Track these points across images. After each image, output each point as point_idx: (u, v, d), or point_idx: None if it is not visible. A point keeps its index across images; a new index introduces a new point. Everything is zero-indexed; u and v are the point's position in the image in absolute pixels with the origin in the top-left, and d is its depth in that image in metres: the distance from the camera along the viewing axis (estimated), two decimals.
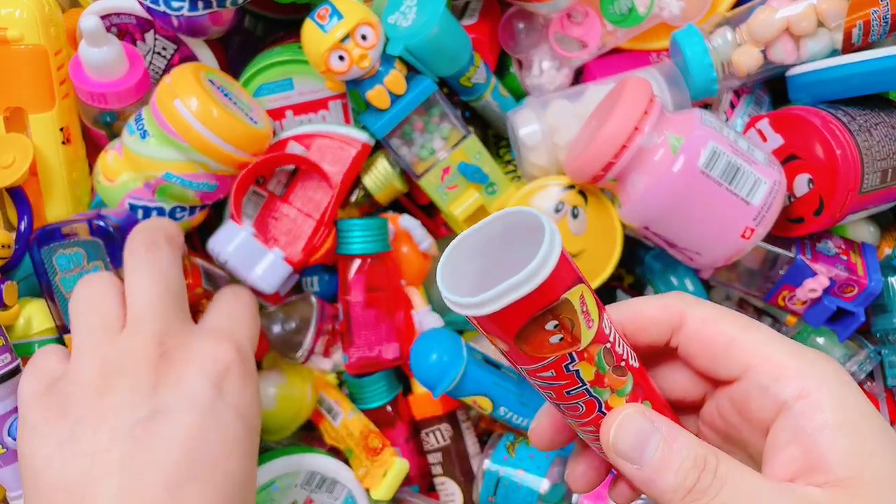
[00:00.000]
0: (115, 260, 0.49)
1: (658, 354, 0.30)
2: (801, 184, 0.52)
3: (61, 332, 0.52)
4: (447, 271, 0.25)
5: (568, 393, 0.26)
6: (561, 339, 0.25)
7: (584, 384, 0.26)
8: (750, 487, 0.25)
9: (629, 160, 0.48)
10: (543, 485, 0.57)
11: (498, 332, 0.25)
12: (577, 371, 0.26)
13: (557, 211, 0.53)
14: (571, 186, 0.54)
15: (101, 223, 0.49)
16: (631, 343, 0.29)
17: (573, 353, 0.25)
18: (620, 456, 0.26)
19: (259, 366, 0.62)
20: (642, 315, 0.30)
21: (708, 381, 0.30)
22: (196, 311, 0.59)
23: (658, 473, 0.25)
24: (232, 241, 0.54)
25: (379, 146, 0.57)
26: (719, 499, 0.24)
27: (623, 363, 0.27)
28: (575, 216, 0.53)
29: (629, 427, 0.26)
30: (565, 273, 0.24)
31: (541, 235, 0.23)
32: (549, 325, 0.24)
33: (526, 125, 0.55)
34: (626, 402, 0.27)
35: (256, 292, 0.54)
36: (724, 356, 0.28)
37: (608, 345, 0.26)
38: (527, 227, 0.24)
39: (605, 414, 0.27)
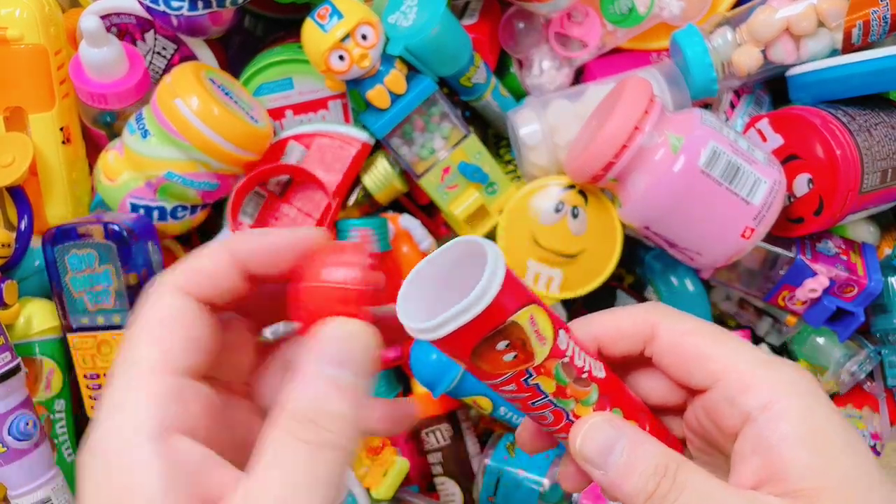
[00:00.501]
0: (126, 264, 0.50)
1: (637, 361, 0.31)
2: (801, 184, 0.52)
3: (65, 331, 0.52)
4: (406, 299, 0.27)
5: (533, 404, 0.28)
6: (515, 357, 0.26)
7: (546, 396, 0.28)
8: (708, 493, 0.26)
9: (629, 160, 0.48)
10: (543, 484, 0.57)
11: (453, 353, 0.26)
12: (537, 385, 0.27)
13: (557, 211, 0.53)
14: (572, 186, 0.54)
15: (116, 227, 0.49)
16: (606, 353, 0.31)
17: (529, 369, 0.27)
18: (587, 461, 0.28)
19: None
20: (616, 328, 0.30)
21: (684, 389, 0.31)
22: None
23: (621, 478, 0.27)
24: None
25: (379, 146, 0.57)
26: (679, 503, 0.26)
27: (585, 374, 0.28)
28: (575, 216, 0.53)
29: (595, 435, 0.27)
30: (512, 297, 0.25)
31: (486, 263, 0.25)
32: (501, 346, 0.26)
33: (526, 125, 0.55)
34: (594, 410, 0.28)
35: None
36: (695, 368, 0.29)
37: (566, 359, 0.27)
38: (477, 255, 0.26)
39: (573, 422, 0.28)
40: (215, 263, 0.27)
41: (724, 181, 0.48)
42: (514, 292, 0.26)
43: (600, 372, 0.29)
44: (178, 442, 0.23)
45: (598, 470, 0.27)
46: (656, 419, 0.31)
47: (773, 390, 0.27)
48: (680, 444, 0.31)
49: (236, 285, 0.27)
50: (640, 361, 0.31)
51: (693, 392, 0.30)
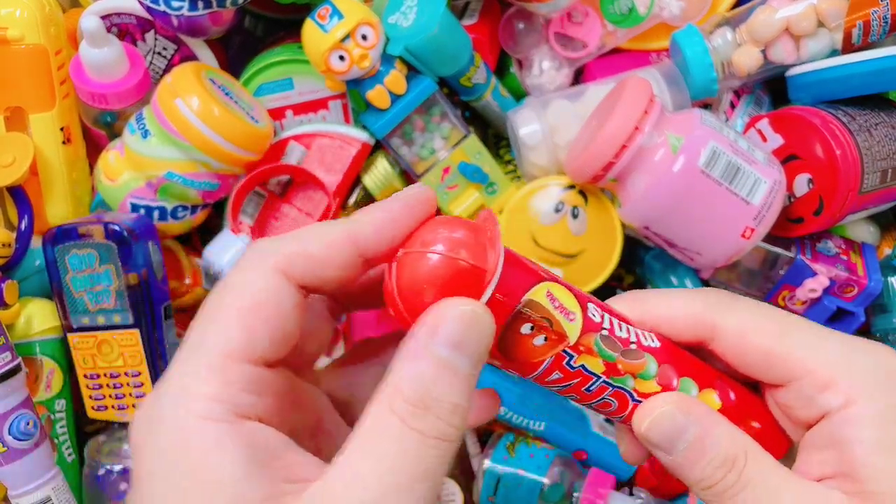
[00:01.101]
0: (126, 264, 0.50)
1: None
2: (801, 184, 0.52)
3: (65, 331, 0.52)
4: None
5: (588, 390, 0.26)
6: (546, 340, 0.25)
7: (598, 377, 0.26)
8: (773, 488, 0.26)
9: (629, 160, 0.48)
10: (544, 484, 0.57)
11: None
12: (582, 366, 0.25)
13: (557, 211, 0.53)
14: (572, 186, 0.54)
15: (116, 227, 0.49)
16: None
17: (567, 350, 0.25)
18: (652, 445, 0.27)
19: None
20: (670, 319, 0.28)
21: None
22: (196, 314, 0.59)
23: (687, 464, 0.26)
24: (228, 252, 0.54)
25: (379, 146, 0.57)
26: (739, 498, 0.25)
27: (633, 345, 0.26)
28: (575, 216, 0.53)
29: (662, 422, 0.26)
30: (518, 275, 0.24)
31: None
32: (525, 329, 0.24)
33: (526, 125, 0.55)
34: (657, 383, 0.27)
35: None
36: (764, 368, 0.27)
37: (604, 332, 0.26)
38: None
39: (640, 402, 0.27)
40: (328, 249, 0.25)
41: (724, 181, 0.48)
42: (521, 270, 0.24)
43: (652, 341, 0.27)
44: (256, 428, 0.22)
45: (665, 454, 0.27)
46: (734, 382, 0.29)
47: (854, 387, 0.26)
48: (762, 407, 0.29)
49: (346, 273, 0.25)
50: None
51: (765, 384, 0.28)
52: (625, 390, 0.26)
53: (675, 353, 0.28)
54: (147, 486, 0.22)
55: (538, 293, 0.24)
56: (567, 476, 0.58)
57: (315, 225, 0.26)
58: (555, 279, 0.25)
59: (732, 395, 0.28)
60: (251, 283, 0.24)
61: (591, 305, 0.26)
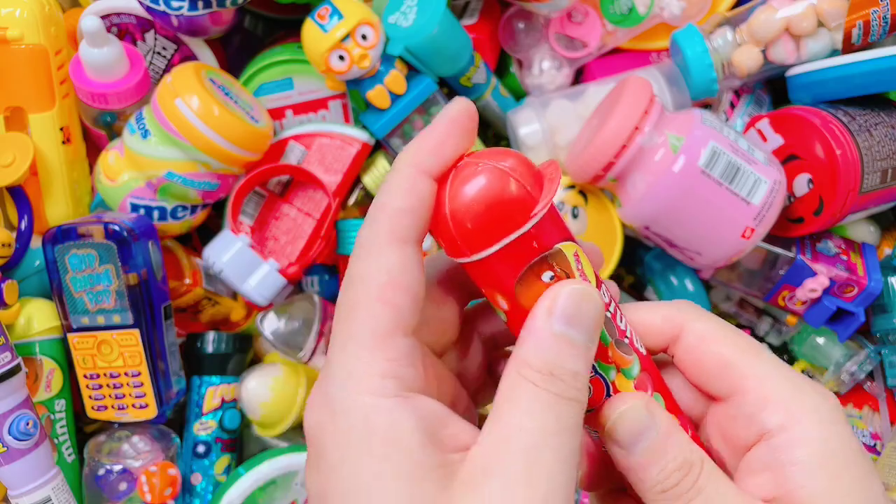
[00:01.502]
0: (126, 264, 0.50)
1: (660, 363, 0.31)
2: (802, 184, 0.53)
3: (65, 331, 0.52)
4: None
5: None
6: None
7: None
8: (723, 499, 0.26)
9: (629, 160, 0.48)
10: None
11: (497, 281, 0.26)
12: None
13: None
14: (572, 186, 0.54)
15: (116, 227, 0.49)
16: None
17: None
18: (615, 441, 0.27)
19: (259, 359, 0.63)
20: (644, 322, 0.30)
21: (704, 397, 0.30)
22: (196, 312, 0.59)
23: (643, 465, 0.26)
24: (227, 251, 0.54)
25: (379, 146, 0.57)
26: None
27: (627, 340, 0.27)
28: (575, 216, 0.53)
29: (631, 416, 0.27)
30: (557, 224, 0.25)
31: None
32: (546, 277, 0.25)
33: (526, 125, 0.55)
34: (634, 387, 0.27)
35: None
36: (716, 376, 0.28)
37: (608, 313, 0.27)
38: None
39: (611, 397, 0.27)
40: (411, 196, 0.25)
41: (724, 181, 0.48)
42: (560, 222, 0.25)
43: (640, 346, 0.28)
44: (423, 399, 0.24)
45: (624, 451, 0.27)
46: (690, 420, 0.30)
47: (795, 411, 0.26)
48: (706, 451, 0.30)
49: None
50: (663, 364, 0.30)
51: (711, 399, 0.29)
52: (604, 380, 0.27)
53: (654, 368, 0.29)
54: (339, 468, 0.24)
55: (568, 249, 0.25)
56: None
57: (391, 176, 0.26)
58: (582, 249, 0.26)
59: (689, 431, 0.29)
60: (387, 257, 0.25)
61: (604, 286, 0.27)
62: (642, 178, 0.49)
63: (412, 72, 0.53)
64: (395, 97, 0.52)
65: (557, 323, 0.25)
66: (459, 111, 0.26)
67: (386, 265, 0.25)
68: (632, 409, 0.27)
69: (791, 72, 0.54)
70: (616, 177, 0.50)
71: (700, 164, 0.47)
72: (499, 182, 0.25)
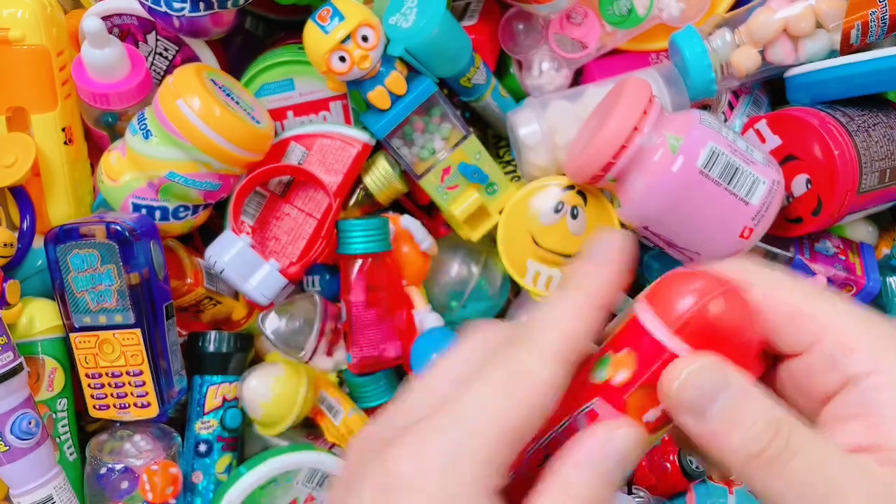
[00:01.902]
0: (128, 264, 0.50)
1: None
2: (800, 184, 0.53)
3: (67, 330, 0.53)
4: None
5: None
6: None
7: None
8: (822, 461, 0.23)
9: (628, 160, 0.49)
10: None
11: (642, 368, 0.25)
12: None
13: (557, 211, 0.53)
14: (571, 187, 0.54)
15: (118, 227, 0.49)
16: None
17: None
18: (683, 407, 0.24)
19: (260, 359, 0.63)
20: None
21: (770, 356, 0.28)
22: (197, 312, 0.59)
23: (724, 430, 0.24)
24: (229, 251, 0.54)
25: (379, 146, 0.57)
26: (788, 469, 0.23)
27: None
28: (574, 216, 0.53)
29: (698, 377, 0.24)
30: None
31: None
32: (651, 414, 0.26)
33: (526, 125, 0.55)
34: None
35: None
36: (788, 327, 0.26)
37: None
38: None
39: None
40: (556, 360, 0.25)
41: (723, 181, 0.48)
42: None
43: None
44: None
45: (696, 419, 0.24)
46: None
47: (882, 353, 0.24)
48: None
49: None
50: None
51: (781, 358, 0.27)
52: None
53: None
54: None
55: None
56: None
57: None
58: None
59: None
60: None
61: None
62: (641, 179, 0.49)
63: (412, 73, 0.53)
64: (395, 98, 0.52)
65: (607, 462, 0.24)
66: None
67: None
68: (699, 368, 0.24)
69: (789, 73, 0.54)
70: (615, 177, 0.50)
71: (699, 164, 0.48)
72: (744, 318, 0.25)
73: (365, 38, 0.50)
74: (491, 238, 0.57)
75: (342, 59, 0.50)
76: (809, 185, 0.52)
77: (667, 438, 0.65)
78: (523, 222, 0.54)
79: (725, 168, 0.48)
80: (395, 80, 0.52)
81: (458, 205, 0.56)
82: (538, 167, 0.56)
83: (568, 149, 0.54)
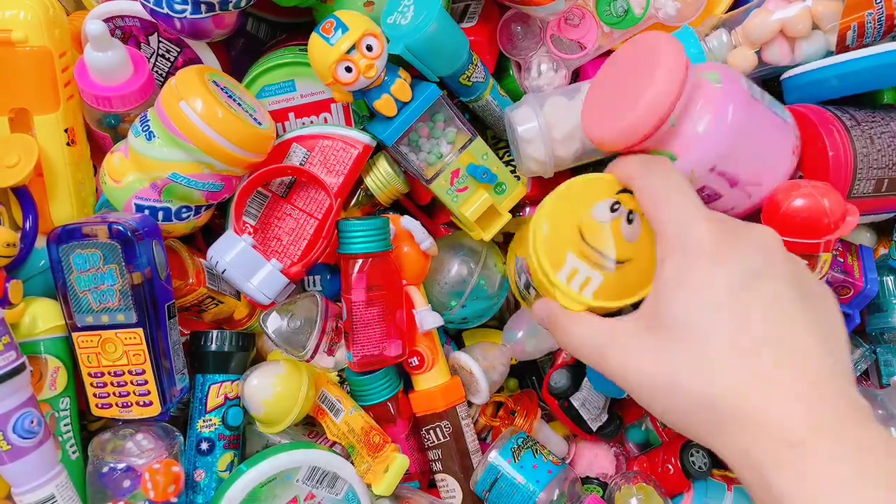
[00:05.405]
0: (130, 263, 0.50)
1: None
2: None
3: (70, 330, 0.53)
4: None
5: None
6: None
7: None
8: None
9: (683, 106, 0.44)
10: (539, 498, 0.57)
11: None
12: None
13: (613, 210, 0.46)
14: (625, 190, 0.46)
15: (121, 227, 0.50)
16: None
17: None
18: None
19: (262, 358, 0.63)
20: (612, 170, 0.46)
21: None
22: (200, 311, 0.60)
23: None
24: (231, 251, 0.54)
25: (380, 147, 0.58)
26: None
27: None
28: (630, 221, 0.46)
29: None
30: None
31: None
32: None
33: (523, 120, 0.55)
34: None
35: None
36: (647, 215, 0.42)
37: None
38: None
39: None
40: None
41: (765, 102, 0.47)
42: None
43: None
44: None
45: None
46: None
47: (682, 245, 0.38)
48: None
49: None
50: None
51: None
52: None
53: None
54: None
55: None
56: (564, 498, 0.58)
57: None
58: None
59: None
60: None
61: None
62: (701, 119, 0.46)
63: (416, 79, 0.54)
64: (401, 105, 0.53)
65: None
66: None
67: None
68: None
69: (786, 74, 0.54)
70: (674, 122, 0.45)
71: (744, 87, 0.46)
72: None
73: (369, 48, 0.50)
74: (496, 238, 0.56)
75: (348, 69, 0.50)
76: None
77: (667, 441, 0.65)
78: (574, 210, 0.46)
79: (761, 92, 0.47)
80: (401, 87, 0.52)
81: (469, 206, 0.56)
82: (536, 160, 0.56)
83: (585, 124, 0.49)
